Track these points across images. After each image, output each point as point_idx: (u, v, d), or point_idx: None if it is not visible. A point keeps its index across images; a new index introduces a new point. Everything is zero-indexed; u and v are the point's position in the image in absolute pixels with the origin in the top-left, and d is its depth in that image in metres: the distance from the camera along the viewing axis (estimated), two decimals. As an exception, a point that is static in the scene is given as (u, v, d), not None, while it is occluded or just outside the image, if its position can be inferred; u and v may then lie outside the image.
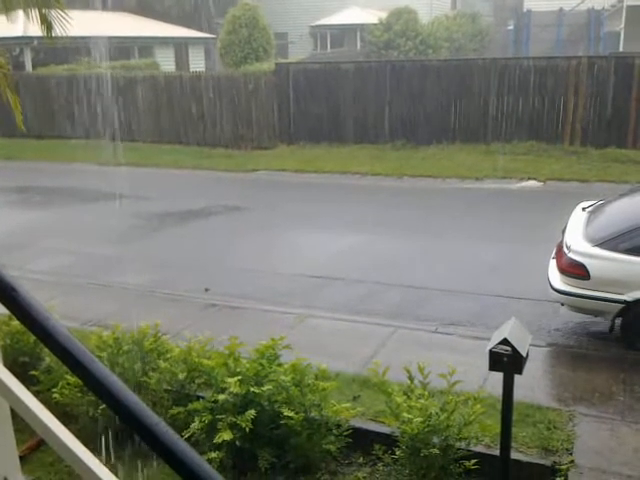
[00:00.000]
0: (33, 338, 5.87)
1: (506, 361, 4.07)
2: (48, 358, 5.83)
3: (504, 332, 4.16)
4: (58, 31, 7.19)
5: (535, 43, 26.74)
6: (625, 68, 14.44)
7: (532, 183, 13.48)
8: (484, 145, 15.56)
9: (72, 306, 7.59)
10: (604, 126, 14.80)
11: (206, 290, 8.44)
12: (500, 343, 4.07)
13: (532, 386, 5.69)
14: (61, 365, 5.67)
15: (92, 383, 1.24)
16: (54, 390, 5.25)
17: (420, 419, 4.42)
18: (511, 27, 29.21)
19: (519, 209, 12.00)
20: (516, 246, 9.64)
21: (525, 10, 28.32)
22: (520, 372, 4.13)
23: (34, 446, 5.05)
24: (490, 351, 4.10)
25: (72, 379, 5.34)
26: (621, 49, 24.05)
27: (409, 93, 16.35)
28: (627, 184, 12.09)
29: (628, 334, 6.46)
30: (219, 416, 4.86)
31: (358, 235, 10.60)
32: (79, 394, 5.39)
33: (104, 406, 5.33)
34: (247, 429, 4.66)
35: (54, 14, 7.07)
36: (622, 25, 24.98)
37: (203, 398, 5.12)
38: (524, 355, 4.08)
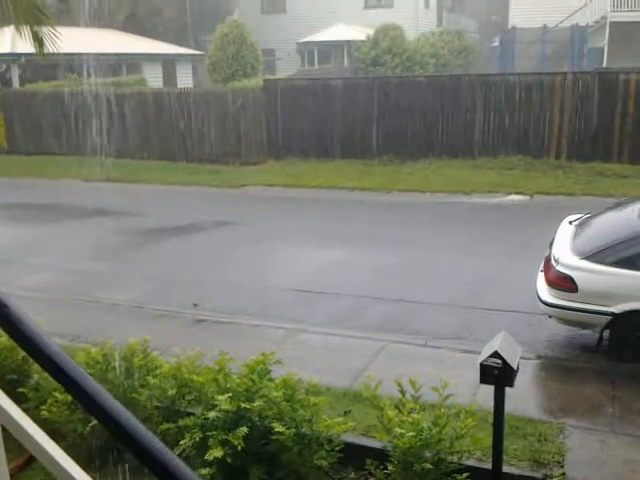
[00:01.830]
0: (21, 355, 5.82)
1: (497, 374, 4.09)
2: (36, 375, 5.78)
3: (494, 345, 4.17)
4: (49, 48, 7.21)
5: (520, 59, 27.06)
6: (609, 83, 14.65)
7: (519, 197, 13.59)
8: (471, 160, 15.69)
9: (59, 322, 7.53)
10: (589, 141, 14.98)
11: (195, 305, 8.41)
12: (491, 356, 4.09)
13: (521, 399, 5.70)
14: (49, 382, 5.63)
15: (84, 399, 1.24)
16: (42, 407, 5.20)
17: (412, 433, 4.41)
18: (496, 43, 29.55)
19: (507, 223, 12.08)
20: (504, 260, 9.70)
21: (510, 27, 28.68)
22: (511, 385, 4.15)
23: (21, 466, 4.99)
24: (481, 364, 4.12)
25: (61, 396, 5.29)
26: (605, 65, 24.39)
27: (396, 109, 16.47)
28: (612, 197, 12.23)
29: (616, 346, 6.50)
30: (210, 433, 4.83)
31: (347, 249, 10.62)
32: (67, 411, 5.35)
33: (93, 423, 5.29)
34: (239, 447, 4.63)
35: (45, 31, 7.09)
36: (606, 41, 25.35)
37: (193, 414, 5.08)
38: (515, 368, 4.10)
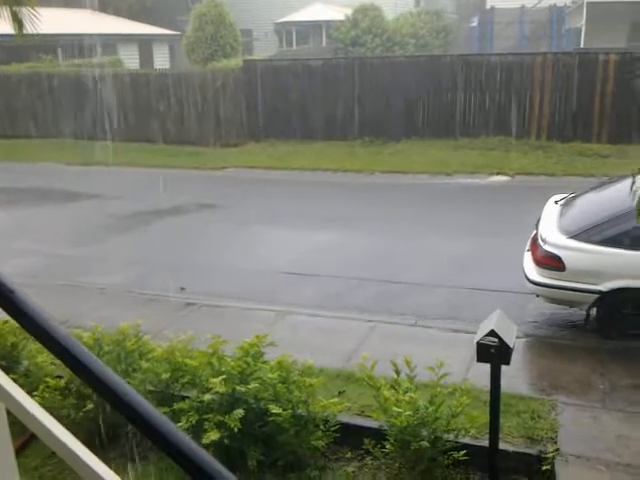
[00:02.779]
0: (10, 341, 5.75)
1: (493, 352, 4.13)
2: (26, 361, 5.72)
3: (490, 324, 4.21)
4: (28, 28, 7.03)
5: (499, 40, 27.10)
6: (589, 64, 14.73)
7: (501, 178, 13.67)
8: (453, 141, 15.72)
9: (47, 308, 7.42)
10: (569, 121, 15.09)
11: (182, 289, 8.36)
12: (487, 335, 4.12)
13: (513, 376, 5.77)
14: (40, 368, 5.58)
15: (94, 383, 1.24)
16: (34, 394, 5.14)
17: (409, 412, 4.44)
18: (475, 24, 29.54)
19: (490, 203, 12.15)
20: (489, 240, 9.76)
21: (488, 7, 28.66)
22: (508, 363, 4.20)
23: (17, 450, 4.95)
24: (477, 343, 4.15)
25: (53, 382, 5.25)
26: (582, 45, 24.50)
27: (377, 89, 16.42)
28: (593, 177, 12.35)
29: (603, 324, 6.60)
30: (206, 415, 4.83)
31: (333, 231, 10.62)
32: (59, 397, 5.31)
33: (87, 408, 5.24)
34: (235, 429, 4.63)
35: (24, 11, 6.91)
36: (583, 22, 25.43)
37: (188, 398, 5.07)
38: (511, 346, 4.14)
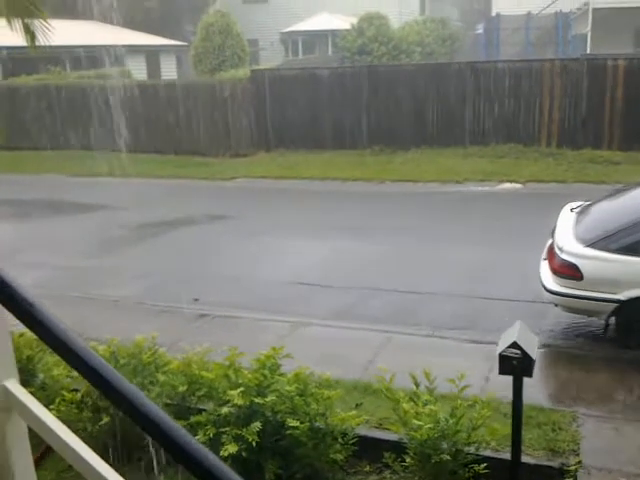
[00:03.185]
0: (26, 354, 5.73)
1: (516, 364, 4.07)
2: (42, 374, 5.69)
3: (512, 336, 4.15)
4: (41, 40, 7.05)
5: (505, 46, 27.10)
6: (597, 70, 14.68)
7: (512, 185, 13.61)
8: (462, 149, 15.68)
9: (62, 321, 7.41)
10: (579, 127, 15.03)
11: (195, 300, 8.33)
12: (510, 347, 4.07)
13: (532, 387, 5.70)
14: (56, 381, 5.55)
15: (112, 394, 1.25)
16: (51, 407, 5.11)
17: (430, 425, 4.39)
18: (480, 31, 29.56)
19: (502, 211, 12.07)
20: (503, 248, 9.69)
21: (494, 14, 28.68)
22: (530, 375, 4.14)
23: (35, 463, 4.91)
24: (500, 355, 4.10)
25: (69, 395, 5.21)
26: (588, 51, 24.46)
27: (386, 98, 16.41)
28: (605, 184, 12.30)
29: (622, 333, 6.52)
30: (223, 429, 4.78)
31: (345, 240, 10.57)
32: (76, 410, 5.27)
33: (103, 422, 5.20)
34: (253, 442, 4.58)
35: (37, 24, 6.94)
36: (589, 27, 25.40)
37: (205, 411, 5.03)
38: (534, 358, 4.09)
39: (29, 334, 5.64)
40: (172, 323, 7.50)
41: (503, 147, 15.34)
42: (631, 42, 24.78)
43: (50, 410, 5.09)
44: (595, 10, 25.14)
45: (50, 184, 16.21)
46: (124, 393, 1.21)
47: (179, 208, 13.24)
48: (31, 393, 5.01)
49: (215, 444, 4.77)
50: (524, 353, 4.06)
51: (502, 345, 4.16)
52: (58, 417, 5.14)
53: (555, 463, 4.77)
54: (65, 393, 5.18)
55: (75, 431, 4.89)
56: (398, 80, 16.31)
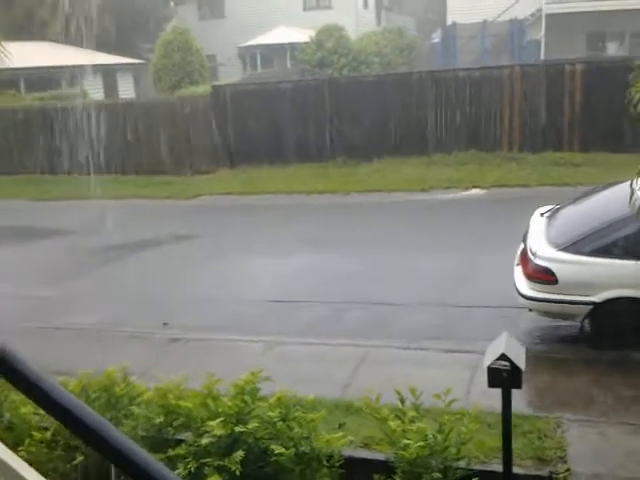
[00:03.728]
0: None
1: (505, 377, 3.99)
2: (8, 414, 5.41)
3: (500, 347, 4.08)
4: (-5, 64, 6.80)
5: (462, 54, 27.39)
6: (556, 75, 14.90)
7: (477, 191, 13.69)
8: (426, 157, 15.71)
9: (26, 354, 7.11)
10: (540, 131, 15.21)
11: (164, 325, 8.09)
12: (498, 359, 3.98)
13: (515, 394, 5.63)
14: (24, 421, 5.28)
15: (85, 433, 1.16)
16: (20, 448, 4.85)
17: (421, 443, 4.27)
18: (437, 40, 29.85)
19: (469, 217, 12.09)
20: (473, 254, 9.68)
21: (450, 22, 29.01)
22: (519, 386, 4.06)
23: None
24: (489, 368, 4.01)
25: (38, 435, 4.97)
26: (542, 57, 24.90)
27: (348, 110, 16.39)
28: (567, 186, 12.45)
29: (598, 335, 6.52)
30: (204, 460, 4.59)
31: (314, 255, 10.45)
32: (46, 449, 5.02)
33: (76, 462, 4.94)
34: (237, 472, 4.41)
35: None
36: (542, 33, 25.88)
37: (184, 442, 4.83)
38: (522, 369, 4.01)
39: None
40: (142, 349, 7.26)
41: (466, 154, 15.42)
42: (584, 46, 25.31)
43: (19, 452, 4.76)
44: (548, 16, 25.64)
45: (11, 209, 15.72)
46: (94, 429, 1.12)
47: (143, 229, 12.94)
48: (-3, 435, 4.66)
49: (197, 476, 4.58)
50: (513, 365, 3.99)
51: (490, 357, 4.07)
52: (28, 459, 4.83)
53: (544, 472, 4.70)
54: (35, 433, 4.93)
55: (45, 472, 4.60)
56: (359, 91, 16.31)
